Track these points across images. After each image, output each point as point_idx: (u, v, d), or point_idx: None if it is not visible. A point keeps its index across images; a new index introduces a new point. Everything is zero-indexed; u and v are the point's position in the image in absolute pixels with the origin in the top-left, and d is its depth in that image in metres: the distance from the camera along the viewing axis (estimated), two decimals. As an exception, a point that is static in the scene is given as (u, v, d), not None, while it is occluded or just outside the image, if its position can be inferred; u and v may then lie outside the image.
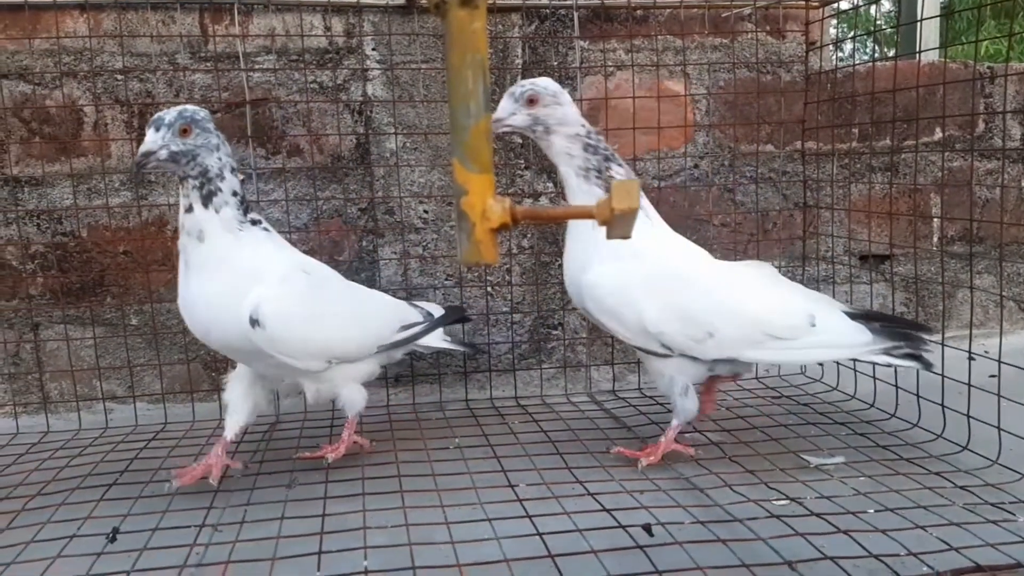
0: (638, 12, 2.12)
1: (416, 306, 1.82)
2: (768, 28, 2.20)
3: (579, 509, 1.36)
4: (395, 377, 2.11)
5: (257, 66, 2.00)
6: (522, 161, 2.11)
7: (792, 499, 1.37)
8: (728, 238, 2.22)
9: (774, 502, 1.37)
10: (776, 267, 2.22)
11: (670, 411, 1.89)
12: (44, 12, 1.91)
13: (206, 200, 1.44)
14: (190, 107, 1.45)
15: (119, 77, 1.95)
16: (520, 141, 2.11)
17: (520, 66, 2.09)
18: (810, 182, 2.25)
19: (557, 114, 1.55)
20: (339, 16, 2.02)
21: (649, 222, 1.59)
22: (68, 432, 1.89)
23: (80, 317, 2.00)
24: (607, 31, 2.12)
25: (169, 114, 1.41)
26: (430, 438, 1.78)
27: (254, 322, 1.41)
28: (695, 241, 2.18)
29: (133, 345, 2.01)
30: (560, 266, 2.12)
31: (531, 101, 1.53)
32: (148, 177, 1.98)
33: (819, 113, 2.21)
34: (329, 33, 2.02)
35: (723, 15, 2.15)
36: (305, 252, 2.02)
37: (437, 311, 1.86)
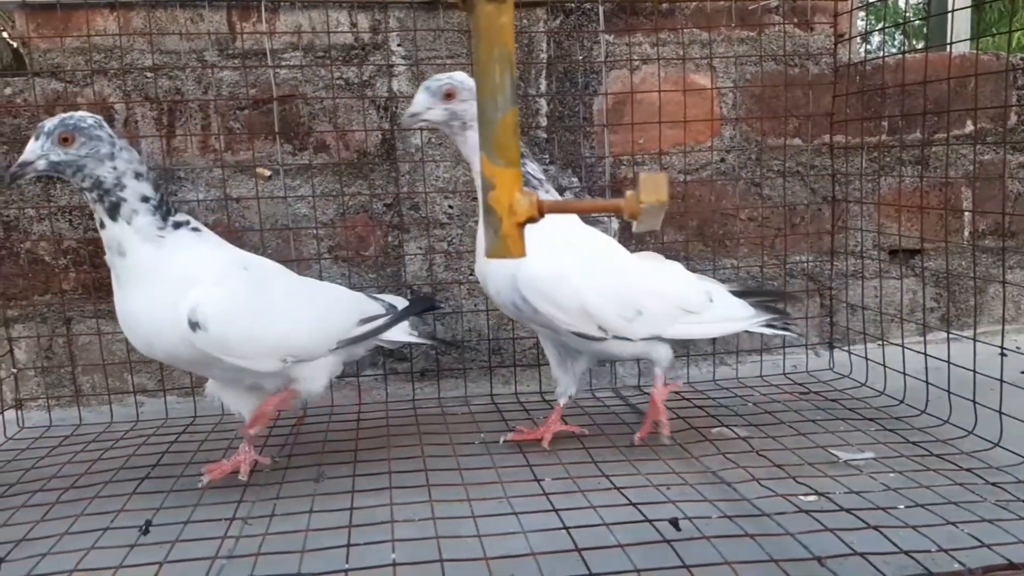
0: (664, 6, 2.11)
1: (377, 299, 1.76)
2: (796, 20, 2.18)
3: (605, 503, 1.36)
4: (421, 372, 2.12)
5: (284, 63, 2.01)
6: (547, 156, 2.11)
7: (821, 494, 1.36)
8: (755, 232, 2.21)
9: (802, 497, 1.36)
10: (804, 262, 2.23)
11: (697, 405, 1.90)
12: (75, 11, 1.94)
13: (112, 212, 1.36)
14: (77, 114, 1.36)
15: (149, 75, 1.97)
16: (545, 136, 2.10)
17: (545, 60, 2.09)
18: (839, 176, 2.23)
19: (473, 109, 1.51)
20: (365, 12, 2.03)
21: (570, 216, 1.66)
22: (100, 425, 1.93)
23: (111, 311, 2.00)
24: (633, 25, 2.11)
25: (50, 122, 1.33)
26: (456, 432, 1.79)
27: (194, 325, 1.35)
28: (722, 236, 2.19)
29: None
30: (585, 261, 2.12)
31: (448, 95, 1.53)
32: (178, 174, 2.00)
33: (848, 106, 2.19)
34: (355, 29, 2.03)
35: (750, 8, 2.14)
36: (331, 247, 2.06)
37: (401, 303, 1.78)
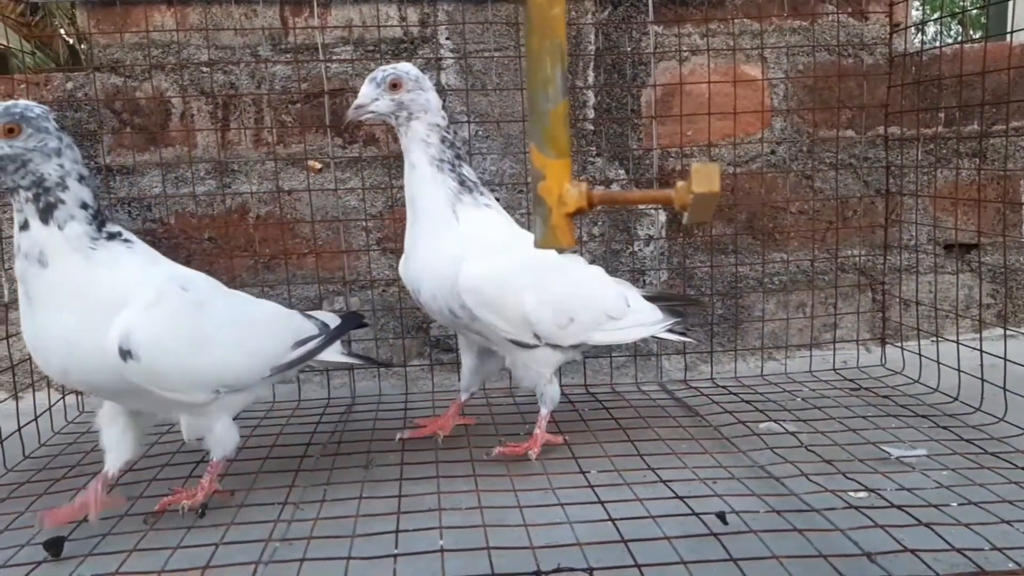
0: (714, -5, 2.09)
1: (310, 317, 1.65)
2: (850, 10, 2.14)
3: (651, 496, 1.36)
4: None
5: (335, 57, 2.04)
6: (594, 148, 2.11)
7: (871, 490, 1.35)
8: (806, 226, 2.17)
9: (852, 493, 1.34)
10: (856, 256, 2.19)
11: (745, 400, 1.89)
12: (134, 7, 1.99)
13: (45, 215, 1.20)
14: (22, 102, 1.21)
15: (204, 69, 2.02)
16: (592, 128, 2.10)
17: (593, 52, 2.08)
18: (893, 168, 2.18)
19: (420, 100, 1.53)
20: (414, 6, 2.05)
21: (504, 215, 1.64)
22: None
23: (167, 301, 2.08)
24: (682, 15, 2.09)
25: None
26: (501, 424, 1.80)
27: (125, 354, 1.19)
28: (771, 229, 2.17)
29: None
30: (631, 253, 2.12)
31: (394, 86, 1.50)
32: (231, 166, 2.05)
33: (903, 97, 2.14)
34: (404, 23, 2.05)
35: (802, -3, 2.10)
36: (380, 239, 2.09)
37: (332, 321, 1.68)
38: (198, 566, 1.17)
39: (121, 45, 2.01)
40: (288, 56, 2.04)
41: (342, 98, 2.05)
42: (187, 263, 2.03)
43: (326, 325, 1.64)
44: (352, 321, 1.74)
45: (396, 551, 1.20)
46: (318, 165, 2.06)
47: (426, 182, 1.54)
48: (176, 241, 2.06)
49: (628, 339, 1.78)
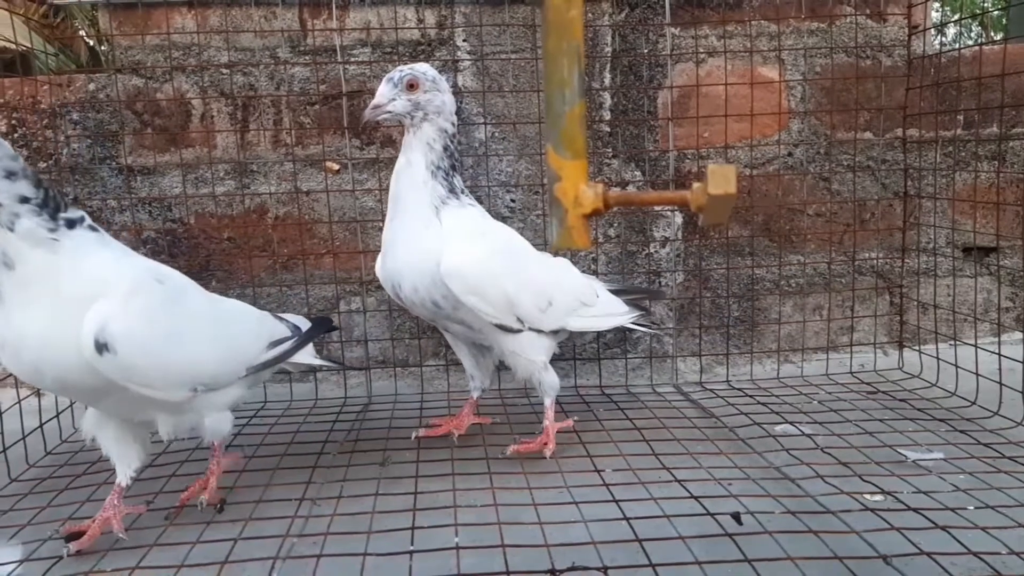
0: (731, -3, 2.09)
1: (282, 319, 1.63)
2: (868, 11, 2.13)
3: (666, 495, 1.36)
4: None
5: (353, 59, 2.06)
6: (610, 149, 2.11)
7: (888, 493, 1.34)
8: (823, 228, 2.17)
9: (868, 496, 1.34)
10: (874, 259, 2.18)
11: (760, 402, 1.89)
12: (155, 9, 2.02)
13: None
14: None
15: (224, 71, 2.04)
16: (608, 130, 2.11)
17: (609, 54, 2.09)
18: (911, 171, 2.17)
19: (436, 101, 1.54)
20: (432, 8, 2.06)
21: (478, 207, 1.65)
22: (176, 408, 2.00)
23: (187, 300, 2.10)
24: (699, 17, 2.09)
25: None
26: (516, 423, 1.81)
27: (101, 347, 1.15)
28: (788, 232, 2.16)
29: (235, 327, 2.11)
30: (647, 255, 2.13)
31: (411, 86, 1.52)
32: (251, 167, 2.07)
33: (921, 99, 2.13)
34: (422, 25, 2.06)
35: (820, -2, 2.10)
36: (397, 239, 2.10)
37: (303, 324, 1.67)
38: (217, 561, 1.18)
39: (142, 47, 2.03)
40: (307, 58, 2.06)
41: (360, 100, 2.06)
42: (207, 263, 2.08)
43: (298, 328, 1.63)
44: (322, 325, 1.74)
45: (412, 548, 1.21)
46: (336, 166, 2.08)
47: (417, 185, 1.56)
48: (196, 241, 2.08)
49: (603, 327, 1.82)
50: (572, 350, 2.15)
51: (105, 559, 1.24)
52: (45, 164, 2.02)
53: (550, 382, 1.66)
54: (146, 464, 1.41)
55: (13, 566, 1.23)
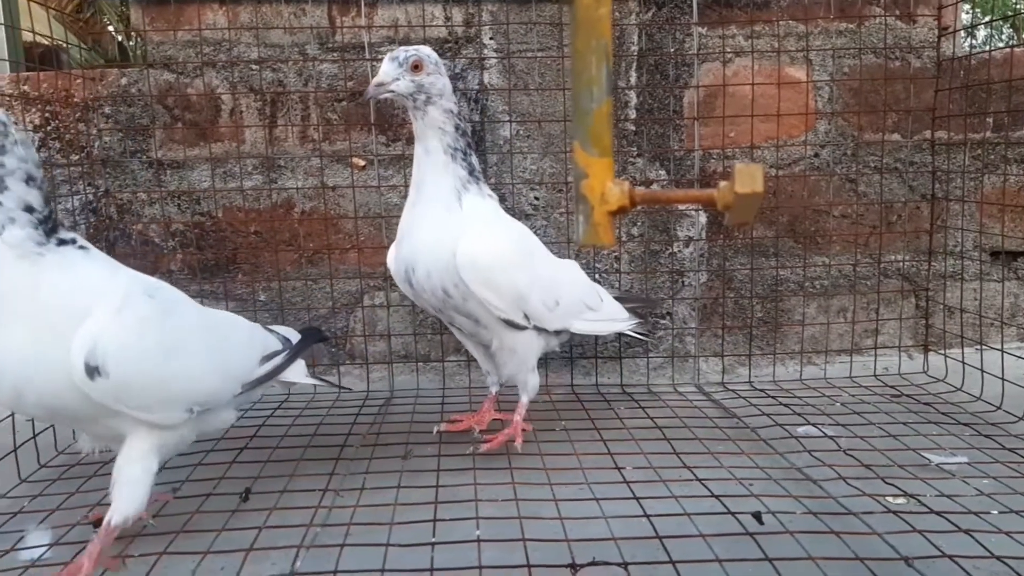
0: (759, -3, 2.08)
1: (272, 331, 1.54)
2: (898, 12, 2.12)
3: (687, 494, 1.37)
4: (504, 360, 2.16)
5: (380, 56, 2.07)
6: (634, 148, 2.11)
7: (910, 496, 1.33)
8: (848, 230, 2.16)
9: (890, 498, 1.34)
10: (900, 261, 2.16)
11: (782, 403, 1.88)
12: (187, 5, 2.05)
13: None
14: None
15: (254, 67, 2.07)
16: (634, 129, 2.11)
17: (635, 53, 2.09)
18: (939, 173, 2.15)
19: (439, 84, 1.54)
20: (459, 6, 2.07)
21: (495, 198, 1.66)
22: (201, 399, 2.03)
23: (214, 292, 2.13)
24: (726, 17, 2.09)
25: None
26: (537, 420, 1.81)
27: (92, 370, 1.06)
28: (813, 233, 2.15)
29: (261, 319, 2.12)
30: (670, 254, 2.12)
31: (415, 67, 1.50)
32: (278, 162, 2.09)
33: (950, 101, 2.11)
34: (449, 23, 2.08)
35: (849, -1, 2.09)
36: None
37: (293, 335, 1.58)
38: (242, 548, 1.20)
39: (174, 42, 2.06)
40: (335, 55, 2.08)
41: (383, 101, 2.07)
42: (234, 256, 2.10)
43: (288, 340, 1.55)
44: (313, 336, 1.66)
45: (433, 539, 1.23)
46: (362, 162, 2.10)
47: (438, 169, 1.56)
48: (223, 234, 2.11)
49: (604, 331, 1.83)
50: (594, 348, 2.15)
51: (133, 544, 1.26)
52: (77, 156, 2.06)
53: (533, 383, 1.68)
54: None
55: (43, 549, 1.25)
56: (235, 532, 1.27)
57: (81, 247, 1.15)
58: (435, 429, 1.73)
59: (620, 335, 2.02)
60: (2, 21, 1.99)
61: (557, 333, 1.71)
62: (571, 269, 1.82)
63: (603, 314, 1.78)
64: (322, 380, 1.70)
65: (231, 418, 1.37)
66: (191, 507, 1.38)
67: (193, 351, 1.24)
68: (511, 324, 1.61)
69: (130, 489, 1.18)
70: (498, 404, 1.79)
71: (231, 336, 1.39)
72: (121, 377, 1.08)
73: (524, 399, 1.68)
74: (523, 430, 1.65)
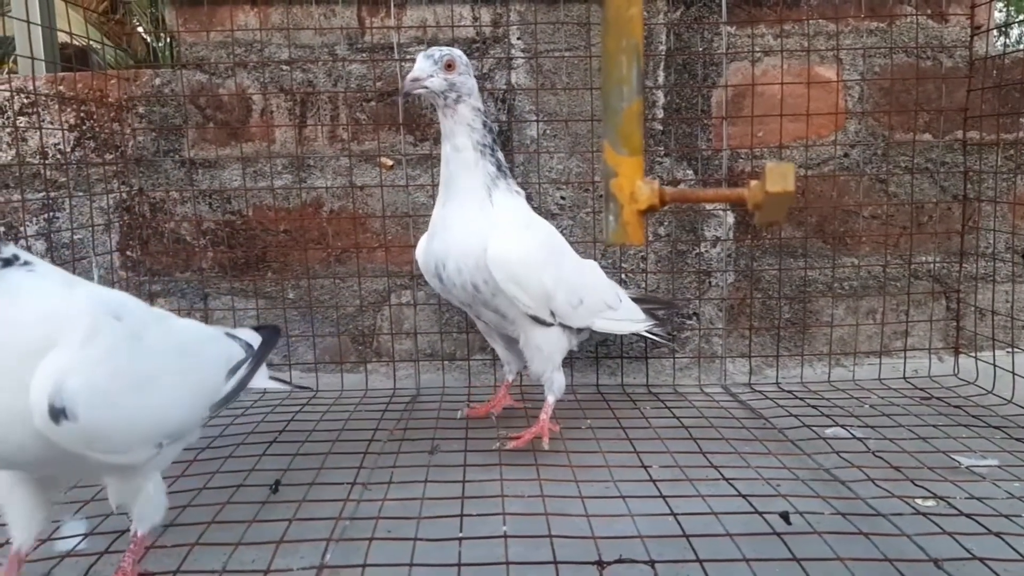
0: (789, -4, 2.07)
1: (234, 337, 1.40)
2: (929, 11, 2.10)
3: (714, 493, 1.36)
4: (529, 358, 2.17)
5: (409, 56, 2.09)
6: (662, 148, 2.11)
7: (940, 498, 1.32)
8: (878, 230, 2.14)
9: (920, 500, 1.33)
10: (931, 263, 2.14)
11: (810, 405, 1.87)
12: (220, 7, 2.08)
13: None
14: None
15: (284, 67, 2.09)
16: (661, 128, 2.11)
17: (663, 52, 2.09)
18: (971, 174, 2.13)
19: (468, 84, 1.59)
20: (487, 6, 2.08)
21: (523, 194, 1.71)
22: (231, 394, 2.06)
23: (244, 289, 2.16)
24: (755, 16, 2.08)
25: None
26: (562, 418, 1.82)
27: (58, 413, 0.89)
28: (842, 233, 2.13)
29: (289, 317, 2.16)
30: (697, 254, 2.12)
31: (449, 66, 1.56)
32: (308, 162, 2.12)
33: (983, 101, 2.09)
34: (477, 23, 2.09)
35: (881, -3, 2.07)
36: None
37: (253, 338, 1.43)
38: (273, 540, 1.22)
39: (207, 43, 2.10)
40: (364, 55, 2.10)
41: (415, 96, 2.09)
42: (263, 254, 2.13)
43: (250, 345, 1.40)
44: (274, 338, 1.51)
45: (461, 534, 1.23)
46: (390, 162, 2.12)
47: (469, 166, 1.61)
48: (253, 233, 2.14)
49: (623, 331, 1.86)
50: (620, 348, 2.15)
51: (165, 535, 1.28)
52: (111, 156, 2.10)
53: (559, 382, 1.71)
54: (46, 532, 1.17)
55: (79, 539, 1.28)
56: (265, 524, 1.29)
57: (26, 264, 0.97)
58: (459, 414, 1.82)
59: (643, 338, 2.03)
60: (39, 22, 2.02)
61: (579, 331, 1.76)
62: (593, 269, 1.86)
63: (621, 314, 1.82)
64: (281, 381, 1.61)
65: (195, 438, 1.26)
66: (222, 498, 1.40)
67: (163, 379, 1.09)
68: (537, 320, 1.64)
69: (148, 502, 1.11)
70: (516, 393, 1.85)
71: (202, 353, 1.25)
72: (91, 419, 0.91)
73: (550, 398, 1.70)
74: (550, 429, 1.66)
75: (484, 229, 1.58)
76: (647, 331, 1.89)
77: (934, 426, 1.70)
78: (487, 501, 1.35)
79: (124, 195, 2.12)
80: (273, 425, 1.79)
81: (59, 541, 1.28)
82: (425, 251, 1.71)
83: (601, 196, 2.11)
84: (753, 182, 0.87)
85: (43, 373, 0.89)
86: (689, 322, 2.16)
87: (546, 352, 1.68)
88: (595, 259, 2.10)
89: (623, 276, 2.14)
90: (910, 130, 2.12)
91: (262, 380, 1.44)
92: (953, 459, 1.52)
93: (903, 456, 1.53)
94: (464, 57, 1.60)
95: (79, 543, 1.27)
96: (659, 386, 2.10)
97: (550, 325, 1.66)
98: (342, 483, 1.45)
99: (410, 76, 1.56)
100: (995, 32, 2.27)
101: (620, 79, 0.91)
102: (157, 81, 2.11)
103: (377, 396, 2.04)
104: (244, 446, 1.66)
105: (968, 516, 1.24)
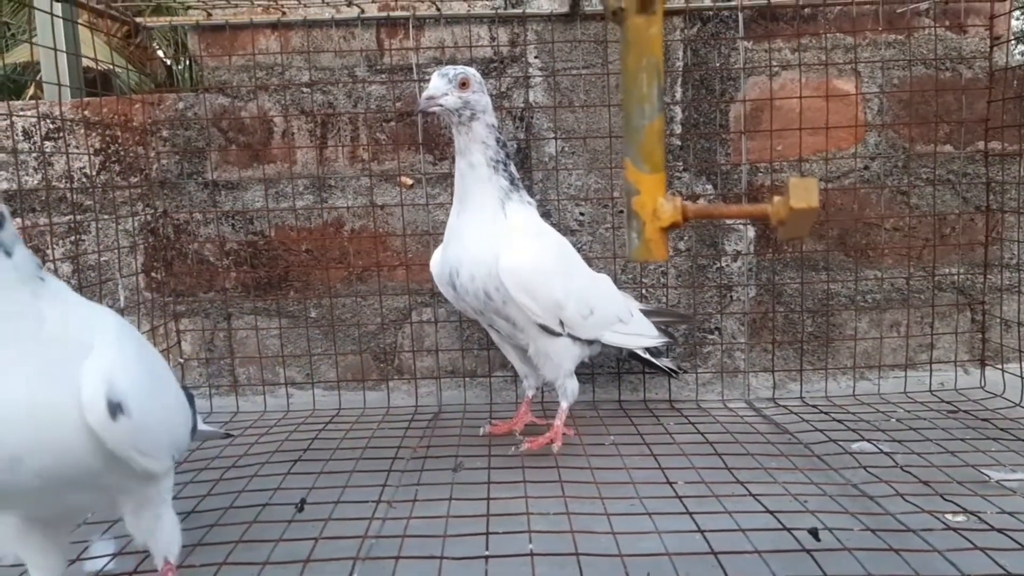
0: (806, 10, 2.07)
1: None
2: (948, 23, 2.09)
3: (741, 509, 1.35)
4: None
5: (427, 77, 2.10)
6: (680, 163, 2.11)
7: (970, 513, 1.31)
8: (900, 243, 2.12)
9: (950, 515, 1.31)
10: (954, 274, 2.12)
11: (836, 419, 1.86)
12: (241, 31, 2.12)
13: None
14: None
15: (305, 90, 2.12)
16: (679, 143, 2.11)
17: (680, 68, 2.09)
18: (993, 184, 2.11)
19: (483, 101, 1.64)
20: (504, 26, 2.10)
21: (534, 204, 1.75)
22: (255, 413, 2.08)
23: (267, 309, 2.18)
24: (772, 30, 2.08)
25: None
26: (585, 434, 1.82)
27: (115, 408, 0.88)
28: (864, 246, 2.12)
29: (312, 336, 2.18)
30: (718, 268, 2.11)
31: (463, 84, 1.60)
32: (328, 182, 2.14)
33: (1004, 112, 2.07)
34: (495, 43, 2.11)
35: (898, 11, 2.06)
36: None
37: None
38: (300, 559, 1.22)
39: (229, 67, 2.13)
40: (383, 76, 2.12)
41: (433, 116, 2.11)
42: (285, 274, 2.15)
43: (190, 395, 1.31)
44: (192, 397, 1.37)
45: (487, 552, 1.23)
46: (410, 181, 2.13)
47: (483, 182, 1.66)
48: (275, 253, 2.16)
49: (633, 344, 1.86)
50: (641, 363, 2.14)
51: (193, 554, 1.29)
52: (136, 178, 2.13)
53: (572, 388, 1.75)
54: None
55: (107, 560, 1.29)
56: (292, 543, 1.29)
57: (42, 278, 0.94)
58: (481, 430, 1.83)
59: (644, 369, 2.09)
60: (65, 48, 2.06)
61: (590, 343, 1.78)
62: (605, 283, 1.88)
63: (632, 328, 1.84)
64: (211, 426, 1.60)
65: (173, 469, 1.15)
66: (249, 517, 1.41)
67: (168, 385, 1.10)
68: (547, 330, 1.68)
69: (173, 528, 1.09)
70: (539, 410, 1.86)
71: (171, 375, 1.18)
72: (141, 416, 0.92)
73: (564, 404, 1.74)
74: (564, 433, 1.71)
75: (497, 239, 1.63)
76: (655, 359, 1.92)
77: (962, 440, 1.69)
78: (512, 519, 1.35)
79: (148, 217, 2.15)
80: (297, 444, 1.80)
81: (88, 561, 1.29)
82: (440, 260, 1.77)
83: (620, 212, 2.11)
84: (777, 197, 0.87)
85: (94, 370, 0.89)
86: (711, 337, 2.15)
87: (555, 360, 1.72)
88: (615, 274, 2.11)
89: (643, 291, 2.14)
90: (931, 142, 2.11)
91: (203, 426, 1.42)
92: (983, 473, 1.50)
93: (932, 470, 1.51)
94: (478, 75, 1.64)
95: (107, 563, 1.28)
96: (682, 401, 2.10)
97: (559, 335, 1.69)
98: (367, 501, 1.45)
99: (425, 94, 1.60)
100: (1015, 42, 2.25)
101: (641, 97, 0.92)
102: (180, 105, 2.14)
103: (399, 413, 2.04)
104: (269, 464, 1.67)
105: (1000, 531, 1.22)
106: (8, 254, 0.87)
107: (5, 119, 2.06)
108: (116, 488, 1.00)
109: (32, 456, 0.86)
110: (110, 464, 0.92)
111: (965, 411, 1.90)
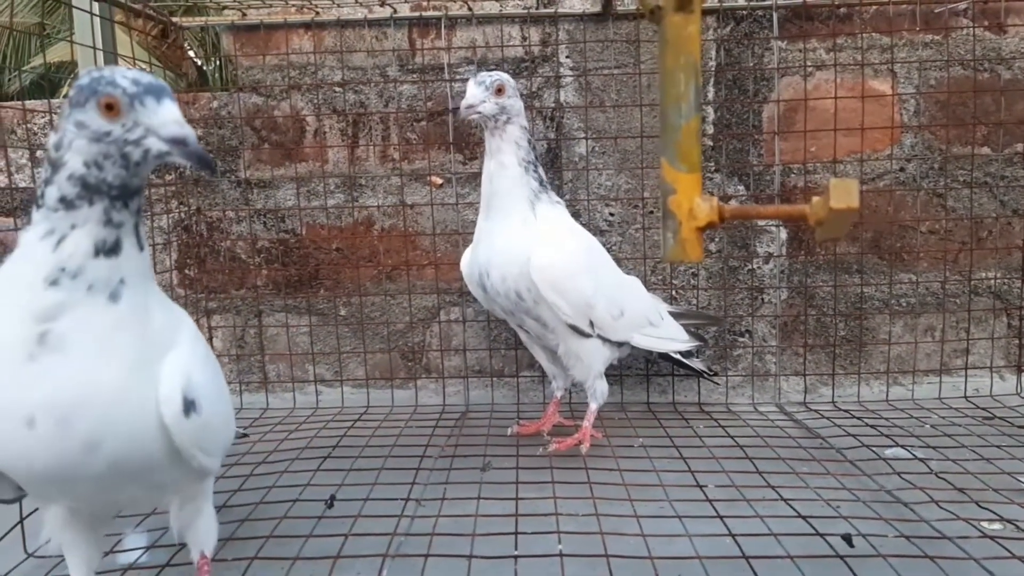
0: (841, 10, 2.04)
1: None
2: (986, 23, 2.05)
3: (772, 513, 1.34)
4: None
5: (458, 76, 2.11)
6: (712, 164, 2.10)
7: (1007, 521, 1.28)
8: (936, 246, 2.09)
9: (986, 523, 1.28)
10: (991, 279, 2.08)
11: (869, 424, 1.83)
12: (275, 31, 2.13)
13: (140, 235, 0.91)
14: None
15: (337, 89, 2.13)
16: (711, 144, 2.09)
17: (713, 68, 2.08)
18: (1032, 187, 2.07)
19: (517, 106, 1.67)
20: (536, 26, 2.10)
21: (563, 204, 1.77)
22: (284, 410, 2.10)
23: (297, 307, 2.20)
24: (807, 30, 2.06)
25: None
26: (613, 435, 1.81)
27: (190, 405, 0.91)
28: (899, 249, 2.09)
29: (341, 334, 2.19)
30: (749, 270, 2.10)
31: (499, 91, 1.62)
32: (359, 181, 2.15)
33: (1045, 113, 2.03)
34: (526, 43, 2.11)
35: (935, 10, 2.03)
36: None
37: None
38: (330, 555, 1.23)
39: (262, 67, 2.15)
40: (414, 76, 2.13)
41: (474, 118, 2.11)
42: (316, 272, 2.17)
43: None
44: None
45: (516, 552, 1.23)
46: (440, 180, 2.14)
47: (513, 181, 1.67)
48: (306, 251, 2.17)
49: (663, 348, 1.85)
50: (671, 366, 2.13)
51: (225, 548, 1.30)
52: (170, 176, 2.15)
53: (601, 389, 1.75)
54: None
55: (140, 552, 1.31)
56: (322, 539, 1.30)
57: None
58: (509, 431, 1.83)
59: (673, 370, 2.08)
60: (103, 47, 2.09)
61: (619, 345, 1.77)
62: (635, 285, 1.88)
63: (662, 332, 1.83)
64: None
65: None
66: (279, 512, 1.42)
67: (225, 389, 1.12)
68: (577, 330, 1.68)
69: (211, 522, 1.10)
70: (566, 411, 1.86)
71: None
72: (209, 415, 0.95)
73: (593, 406, 1.74)
74: (593, 436, 1.71)
75: (528, 239, 1.64)
76: (686, 359, 1.90)
77: (998, 447, 1.65)
78: (541, 519, 1.35)
79: (182, 215, 2.18)
80: (326, 440, 1.81)
81: (121, 554, 1.31)
82: (470, 261, 1.78)
83: (651, 212, 2.10)
84: (815, 198, 0.86)
85: (173, 367, 0.92)
86: (741, 339, 2.13)
87: (586, 361, 1.72)
88: (644, 275, 2.10)
89: (673, 292, 2.12)
90: (968, 143, 2.07)
91: None
92: (1019, 480, 1.47)
93: (967, 477, 1.48)
94: (512, 80, 1.66)
95: (141, 556, 1.30)
96: (711, 404, 2.08)
97: (589, 336, 1.69)
98: (396, 499, 1.45)
99: (464, 103, 1.63)
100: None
101: (678, 96, 0.91)
102: (215, 104, 2.16)
103: (427, 412, 2.05)
104: (299, 461, 1.68)
105: (1038, 540, 1.20)
106: (141, 248, 0.91)
107: (44, 116, 2.10)
108: (171, 484, 1.02)
109: (109, 443, 0.88)
110: (172, 459, 0.94)
111: (1001, 417, 1.86)
